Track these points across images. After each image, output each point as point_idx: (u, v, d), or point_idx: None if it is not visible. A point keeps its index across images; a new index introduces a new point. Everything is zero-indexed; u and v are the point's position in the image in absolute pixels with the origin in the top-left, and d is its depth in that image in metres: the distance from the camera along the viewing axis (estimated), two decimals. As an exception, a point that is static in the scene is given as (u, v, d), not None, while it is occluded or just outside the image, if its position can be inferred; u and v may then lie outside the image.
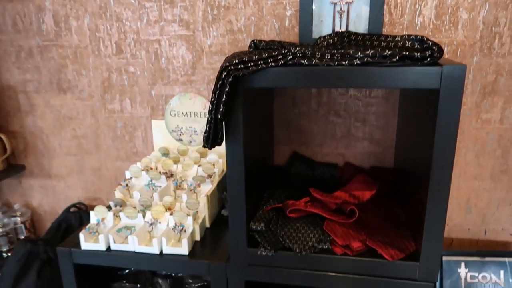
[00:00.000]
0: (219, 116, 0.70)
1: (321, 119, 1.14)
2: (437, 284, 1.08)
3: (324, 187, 0.98)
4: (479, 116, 1.06)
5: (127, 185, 1.07)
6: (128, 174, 1.11)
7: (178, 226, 0.92)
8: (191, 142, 1.25)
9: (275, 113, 1.16)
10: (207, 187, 1.05)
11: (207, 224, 1.02)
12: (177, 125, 1.24)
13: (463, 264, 1.09)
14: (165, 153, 1.23)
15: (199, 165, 1.12)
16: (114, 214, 0.99)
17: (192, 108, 1.22)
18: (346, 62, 0.68)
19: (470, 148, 1.09)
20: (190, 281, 1.10)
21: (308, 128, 1.16)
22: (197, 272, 0.89)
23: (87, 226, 0.96)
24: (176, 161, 1.17)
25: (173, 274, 1.14)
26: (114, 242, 0.93)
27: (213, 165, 1.11)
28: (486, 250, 1.10)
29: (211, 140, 0.73)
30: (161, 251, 0.91)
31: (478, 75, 1.03)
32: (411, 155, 0.93)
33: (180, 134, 1.25)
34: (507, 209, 1.12)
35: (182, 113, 1.23)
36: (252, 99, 0.87)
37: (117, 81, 1.25)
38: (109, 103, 1.27)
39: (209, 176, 1.08)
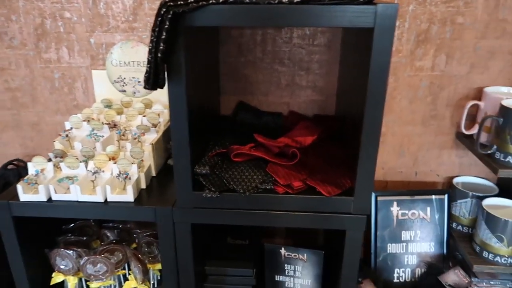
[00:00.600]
0: (159, 55, 0.69)
1: (266, 68, 1.15)
2: (372, 222, 1.17)
3: (269, 135, 1.01)
4: (413, 64, 1.12)
5: (67, 135, 1.03)
6: (68, 125, 1.07)
7: (122, 174, 0.91)
8: (135, 93, 1.22)
9: (221, 62, 1.15)
10: (152, 136, 1.04)
11: (153, 173, 1.02)
12: (120, 75, 1.20)
13: (395, 203, 1.18)
14: (108, 105, 1.19)
15: (144, 115, 1.10)
16: (54, 165, 0.96)
17: (135, 57, 1.18)
18: (287, 0, 0.68)
19: (404, 95, 1.15)
20: (139, 231, 1.11)
21: (254, 77, 1.16)
22: (143, 218, 0.90)
23: (25, 178, 0.93)
24: (119, 112, 1.14)
25: (120, 226, 1.13)
26: (55, 192, 0.90)
27: (158, 115, 1.09)
28: (415, 190, 1.20)
29: (151, 81, 0.72)
30: (106, 199, 0.90)
31: (413, 23, 1.07)
32: (350, 100, 0.97)
33: (123, 85, 1.21)
34: (435, 151, 1.21)
35: (125, 62, 1.18)
36: (196, 45, 0.86)
37: (52, 27, 1.17)
38: (44, 52, 1.20)
39: (154, 125, 1.07)
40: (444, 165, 1.23)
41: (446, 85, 1.13)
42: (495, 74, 1.11)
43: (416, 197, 1.19)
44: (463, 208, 1.16)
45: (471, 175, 1.22)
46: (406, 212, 1.18)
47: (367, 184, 0.81)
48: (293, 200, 0.85)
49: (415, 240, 1.19)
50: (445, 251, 1.19)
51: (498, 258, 1.04)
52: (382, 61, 0.71)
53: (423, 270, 1.18)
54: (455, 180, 1.20)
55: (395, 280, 1.19)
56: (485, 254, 1.06)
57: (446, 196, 1.19)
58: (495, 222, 1.02)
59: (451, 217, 1.20)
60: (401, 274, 1.19)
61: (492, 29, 1.07)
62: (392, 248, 1.19)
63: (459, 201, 1.16)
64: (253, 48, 1.13)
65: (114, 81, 1.21)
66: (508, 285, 1.12)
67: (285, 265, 1.03)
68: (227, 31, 1.11)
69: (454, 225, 1.19)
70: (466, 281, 1.09)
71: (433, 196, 1.19)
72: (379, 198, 1.18)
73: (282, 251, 1.01)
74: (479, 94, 1.11)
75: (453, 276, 1.10)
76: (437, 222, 1.19)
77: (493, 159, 0.99)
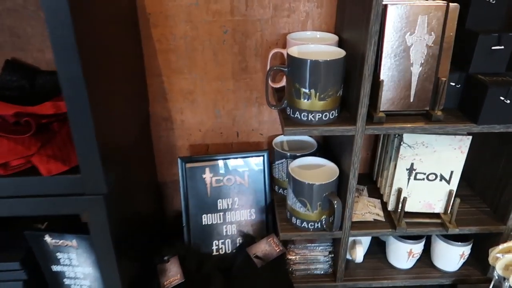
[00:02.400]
0: None
1: (33, 18, 0.93)
2: (181, 192, 1.04)
3: (44, 98, 0.82)
4: (208, 7, 0.95)
5: None
6: None
7: None
8: None
9: (-28, 11, 0.92)
10: None
11: None
12: None
13: (207, 170, 1.05)
14: None
15: None
16: None
17: None
18: None
19: (206, 45, 0.99)
20: None
21: (20, 29, 0.94)
22: None
23: None
24: None
25: None
26: None
27: None
28: (229, 153, 1.06)
29: None
30: None
31: (198, -43, 0.89)
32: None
33: None
34: (254, 109, 1.08)
35: None
36: None
37: None
38: None
39: None
40: (266, 123, 1.11)
41: (251, 32, 0.98)
42: (302, 16, 0.97)
43: (231, 161, 1.06)
44: (281, 170, 1.05)
45: (296, 133, 1.11)
46: (221, 178, 1.06)
47: (91, 156, 0.65)
48: (5, 183, 0.67)
49: (233, 208, 1.08)
50: (265, 217, 1.09)
51: (305, 224, 0.95)
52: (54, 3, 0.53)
53: (240, 242, 1.08)
54: (275, 140, 1.09)
55: (215, 252, 1.08)
56: (294, 220, 0.97)
57: (264, 157, 1.07)
58: (297, 185, 0.92)
59: (273, 180, 1.09)
60: (221, 246, 1.08)
61: (290, -38, 0.91)
62: (208, 219, 1.07)
63: (277, 162, 1.05)
64: (8, -9, 0.90)
65: None
66: (326, 248, 1.05)
67: (57, 253, 0.87)
68: (-33, -30, 0.87)
69: (276, 188, 1.09)
70: (278, 250, 1.00)
71: (250, 159, 1.07)
72: (187, 166, 1.04)
73: (48, 238, 0.85)
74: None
75: (265, 245, 1.01)
76: (256, 187, 1.08)
77: (286, 115, 0.87)
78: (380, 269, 1.09)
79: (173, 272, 0.97)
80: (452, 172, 0.95)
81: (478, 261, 1.08)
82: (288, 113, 0.85)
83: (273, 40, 0.99)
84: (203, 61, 1.00)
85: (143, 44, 0.97)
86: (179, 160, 1.02)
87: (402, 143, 0.92)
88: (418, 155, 0.93)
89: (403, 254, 1.05)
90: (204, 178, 1.05)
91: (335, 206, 0.89)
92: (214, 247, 1.08)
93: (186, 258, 1.01)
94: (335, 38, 0.92)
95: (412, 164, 0.94)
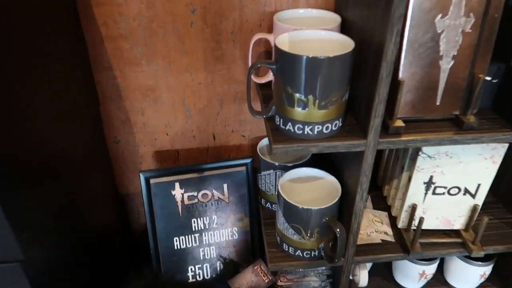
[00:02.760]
0: None
1: None
2: (147, 213, 0.84)
3: None
4: (168, -21, 0.71)
5: None
6: None
7: None
8: None
9: None
10: None
11: None
12: None
13: (177, 185, 0.85)
14: None
15: None
16: None
17: None
18: None
19: (169, 28, 0.76)
20: None
21: None
22: None
23: None
24: None
25: None
26: None
27: None
28: (203, 163, 0.86)
29: None
30: None
31: None
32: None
33: None
34: (232, 106, 0.87)
35: None
36: None
37: None
38: None
39: None
40: (249, 123, 0.90)
41: (227, 10, 0.75)
42: (293, -11, 0.74)
43: (207, 172, 0.86)
44: (268, 183, 0.86)
45: (286, 133, 0.91)
46: (195, 194, 0.86)
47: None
48: None
49: (211, 228, 0.89)
50: (251, 237, 0.91)
51: (300, 252, 0.77)
52: None
53: (221, 267, 0.90)
54: (261, 144, 0.88)
55: (191, 279, 0.90)
56: (285, 247, 0.79)
57: (247, 167, 0.87)
58: (289, 209, 0.73)
59: (259, 192, 0.90)
60: (198, 271, 0.90)
61: None
62: (181, 242, 0.88)
63: (263, 173, 0.86)
64: None
65: None
66: (324, 272, 0.88)
67: (-17, 310, 0.68)
68: None
69: (263, 202, 0.90)
70: (267, 280, 0.82)
71: (230, 169, 0.87)
72: (152, 181, 0.83)
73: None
74: (275, 21, 0.75)
75: (250, 275, 0.83)
76: (238, 202, 0.89)
77: (275, 125, 0.66)
78: (386, 290, 0.94)
79: (139, 314, 0.79)
80: (479, 185, 0.77)
81: (499, 277, 0.94)
82: (278, 123, 0.65)
83: (256, 20, 0.77)
84: (166, 49, 0.78)
85: (84, 29, 0.74)
86: (140, 175, 0.82)
87: (420, 153, 0.73)
88: (439, 167, 0.75)
89: (414, 275, 0.89)
90: (174, 195, 0.85)
91: (338, 235, 0.71)
92: (190, 274, 0.90)
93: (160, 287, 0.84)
94: (337, 19, 0.70)
95: (431, 177, 0.76)
